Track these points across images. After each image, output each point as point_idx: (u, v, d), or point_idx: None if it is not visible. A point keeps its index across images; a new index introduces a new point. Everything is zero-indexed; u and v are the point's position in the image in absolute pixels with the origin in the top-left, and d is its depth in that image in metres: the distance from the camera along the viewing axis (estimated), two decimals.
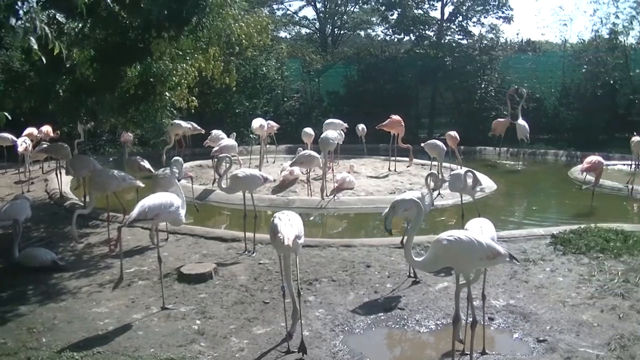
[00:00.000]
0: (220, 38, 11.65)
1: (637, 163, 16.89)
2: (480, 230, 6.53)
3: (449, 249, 5.72)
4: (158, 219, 7.76)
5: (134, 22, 9.65)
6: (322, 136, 14.52)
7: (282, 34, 40.64)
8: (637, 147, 16.64)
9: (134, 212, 7.50)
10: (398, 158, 17.85)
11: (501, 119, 21.15)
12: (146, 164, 12.08)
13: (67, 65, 9.69)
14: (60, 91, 10.33)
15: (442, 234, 5.82)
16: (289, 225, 6.48)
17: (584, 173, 14.65)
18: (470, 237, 5.77)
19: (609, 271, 8.63)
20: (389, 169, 17.54)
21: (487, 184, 15.90)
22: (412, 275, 8.52)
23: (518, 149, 21.27)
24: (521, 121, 19.86)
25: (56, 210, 13.30)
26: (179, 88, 11.80)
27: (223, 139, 16.18)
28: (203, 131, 18.20)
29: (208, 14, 10.20)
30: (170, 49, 10.38)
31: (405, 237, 8.57)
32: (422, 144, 15.68)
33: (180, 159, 10.11)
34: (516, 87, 21.31)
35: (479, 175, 15.33)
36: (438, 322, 7.19)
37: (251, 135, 19.73)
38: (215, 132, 16.98)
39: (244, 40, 12.63)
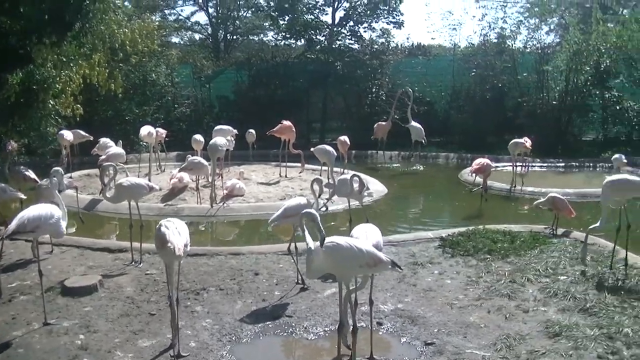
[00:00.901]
0: (104, 44, 11.46)
1: (516, 164, 17.29)
2: (365, 236, 6.54)
3: (328, 256, 5.70)
4: (38, 231, 7.51)
5: (14, 26, 9.35)
6: (210, 143, 14.37)
7: (175, 40, 40.28)
8: (512, 148, 17.07)
9: (12, 225, 7.25)
10: (289, 164, 17.87)
11: (382, 123, 21.46)
12: (31, 174, 11.72)
13: None
14: None
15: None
16: (177, 234, 6.38)
17: (474, 175, 14.95)
18: (350, 244, 5.76)
19: (496, 272, 8.81)
20: (280, 174, 17.51)
21: (378, 188, 16.08)
22: (300, 282, 8.50)
23: (410, 152, 21.58)
24: (414, 123, 20.16)
25: None
26: (63, 95, 11.53)
27: (111, 147, 15.88)
28: (92, 138, 17.81)
29: (91, 20, 9.96)
30: (53, 55, 10.13)
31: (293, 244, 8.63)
32: (312, 149, 15.70)
33: (60, 169, 9.75)
34: (403, 89, 21.54)
35: (369, 180, 15.55)
36: (326, 329, 7.18)
37: (141, 142, 19.45)
38: (103, 140, 16.63)
39: (128, 47, 12.46)
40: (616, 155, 16.41)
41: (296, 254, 8.66)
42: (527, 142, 17.73)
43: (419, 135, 20.43)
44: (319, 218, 5.99)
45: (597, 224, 8.78)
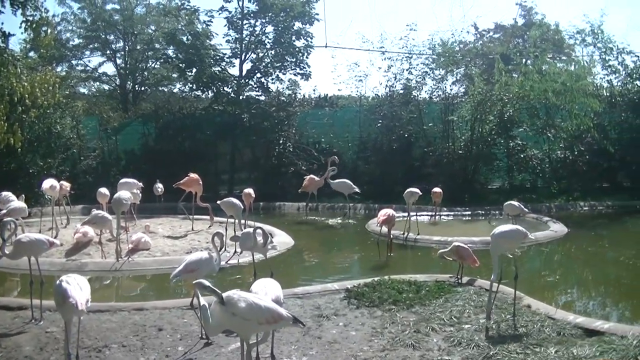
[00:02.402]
0: (2, 98, 11.24)
1: (410, 213, 17.56)
2: (264, 291, 6.52)
3: (226, 313, 5.67)
4: None
5: None
6: (114, 197, 14.20)
7: (83, 90, 39.95)
8: (407, 197, 17.45)
9: None
10: (197, 216, 17.77)
11: (315, 178, 21.44)
12: None
13: None
14: None
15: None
16: (79, 289, 6.27)
17: (381, 226, 15.04)
18: (249, 301, 5.74)
19: (401, 322, 8.82)
20: (188, 228, 17.35)
21: (284, 240, 16.06)
22: (204, 336, 8.39)
23: (316, 203, 21.69)
24: (338, 181, 20.25)
25: None
26: None
27: (12, 202, 15.49)
28: None
29: None
30: None
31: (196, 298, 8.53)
32: (219, 202, 15.63)
33: None
34: (334, 157, 21.72)
35: (276, 232, 15.54)
36: None
37: (46, 196, 19.09)
38: (4, 193, 16.19)
39: (27, 100, 12.25)
40: (512, 203, 16.80)
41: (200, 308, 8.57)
42: (437, 191, 18.20)
43: (351, 189, 20.61)
44: (206, 284, 5.97)
45: (492, 276, 8.89)
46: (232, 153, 28.45)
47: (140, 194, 17.70)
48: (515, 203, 16.85)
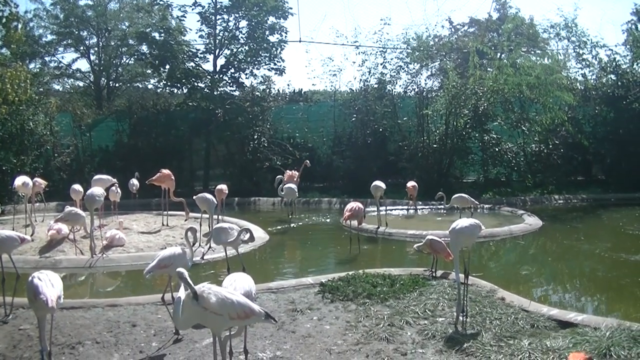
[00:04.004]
0: None
1: (379, 207, 17.67)
2: (234, 286, 6.48)
3: (197, 307, 5.64)
4: None
5: None
6: (87, 193, 14.11)
7: (57, 87, 39.74)
8: (374, 191, 17.69)
9: None
10: (171, 212, 17.67)
11: (296, 173, 21.26)
12: None
13: None
14: None
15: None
16: (50, 286, 6.22)
17: (348, 221, 15.04)
18: (219, 295, 5.71)
19: (375, 316, 8.80)
20: (162, 224, 17.26)
21: (259, 235, 16.06)
22: (178, 332, 8.35)
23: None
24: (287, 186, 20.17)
25: None
26: None
27: None
28: None
29: None
30: None
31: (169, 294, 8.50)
32: (194, 197, 15.57)
33: None
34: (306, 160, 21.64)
35: (251, 227, 15.51)
36: None
37: (19, 193, 18.95)
38: None
39: None
40: (462, 195, 17.01)
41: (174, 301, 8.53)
42: (412, 185, 18.30)
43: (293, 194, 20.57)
44: (186, 275, 5.92)
45: (455, 273, 8.84)
46: (206, 149, 28.43)
47: (119, 191, 17.57)
48: (464, 195, 17.00)
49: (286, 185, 19.49)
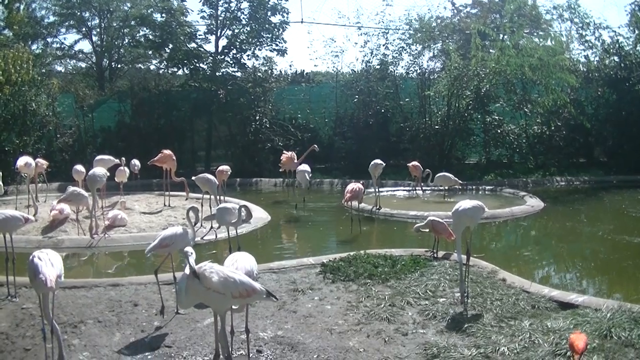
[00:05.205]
0: None
1: (377, 186, 17.73)
2: (235, 265, 6.49)
3: (199, 286, 5.65)
4: None
5: None
6: (89, 173, 14.12)
7: (59, 68, 39.60)
8: (372, 170, 17.66)
9: None
10: (172, 193, 17.68)
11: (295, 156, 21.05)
12: None
13: None
14: None
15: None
16: (50, 265, 6.23)
17: (349, 203, 15.07)
18: (221, 274, 5.72)
19: (376, 296, 8.84)
20: (163, 204, 17.28)
21: (261, 215, 16.11)
22: (180, 311, 8.38)
23: (293, 179, 21.64)
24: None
25: None
26: None
27: None
28: None
29: None
30: None
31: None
32: (193, 178, 15.56)
33: None
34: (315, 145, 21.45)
35: (252, 207, 15.53)
36: (205, 358, 7.06)
37: (22, 174, 18.96)
38: None
39: (1, 77, 12.10)
40: (445, 174, 17.16)
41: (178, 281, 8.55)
42: (413, 165, 18.33)
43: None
44: (190, 255, 5.94)
45: (457, 254, 8.86)
46: (208, 130, 28.46)
47: (128, 172, 17.58)
48: (448, 174, 17.08)
49: (299, 169, 18.97)
